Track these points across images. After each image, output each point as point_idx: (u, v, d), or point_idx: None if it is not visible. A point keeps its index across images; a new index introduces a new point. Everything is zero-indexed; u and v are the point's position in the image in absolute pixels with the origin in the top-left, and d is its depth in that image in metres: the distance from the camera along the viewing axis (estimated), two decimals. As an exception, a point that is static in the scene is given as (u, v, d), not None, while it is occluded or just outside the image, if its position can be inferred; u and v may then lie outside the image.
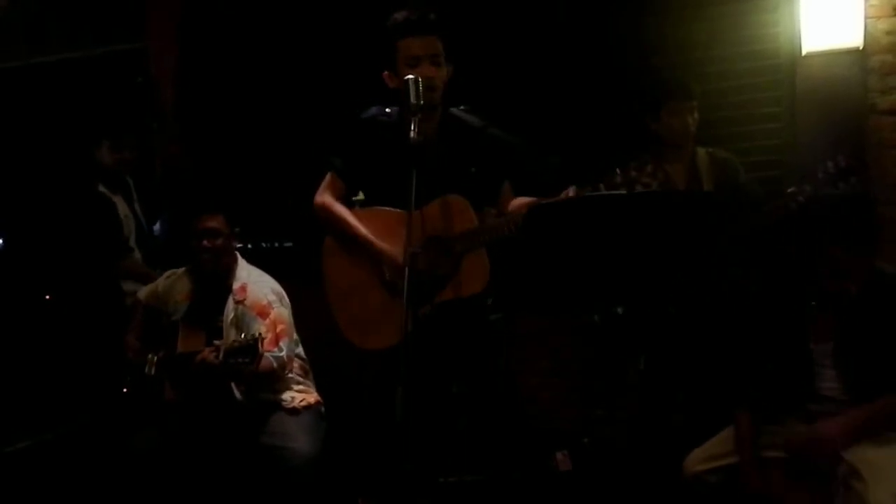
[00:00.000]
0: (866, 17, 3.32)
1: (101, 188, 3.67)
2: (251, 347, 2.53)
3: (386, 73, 2.49)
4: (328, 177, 2.65)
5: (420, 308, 2.37)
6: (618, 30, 3.80)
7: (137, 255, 3.75)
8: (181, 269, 3.07)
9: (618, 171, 2.26)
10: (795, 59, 3.45)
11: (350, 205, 2.65)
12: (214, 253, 2.87)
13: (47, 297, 3.93)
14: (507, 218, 2.45)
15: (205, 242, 2.86)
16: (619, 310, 3.07)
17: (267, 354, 2.65)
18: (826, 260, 2.23)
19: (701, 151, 3.11)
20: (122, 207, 3.73)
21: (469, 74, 2.57)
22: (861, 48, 3.32)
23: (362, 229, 2.54)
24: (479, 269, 2.48)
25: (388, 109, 2.58)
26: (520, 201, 2.51)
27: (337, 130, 2.68)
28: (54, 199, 3.85)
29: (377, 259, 2.53)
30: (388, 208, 2.54)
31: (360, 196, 2.72)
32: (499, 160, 2.58)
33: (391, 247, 2.48)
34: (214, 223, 2.88)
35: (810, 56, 3.40)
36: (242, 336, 2.62)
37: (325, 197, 2.62)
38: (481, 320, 2.60)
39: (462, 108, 2.60)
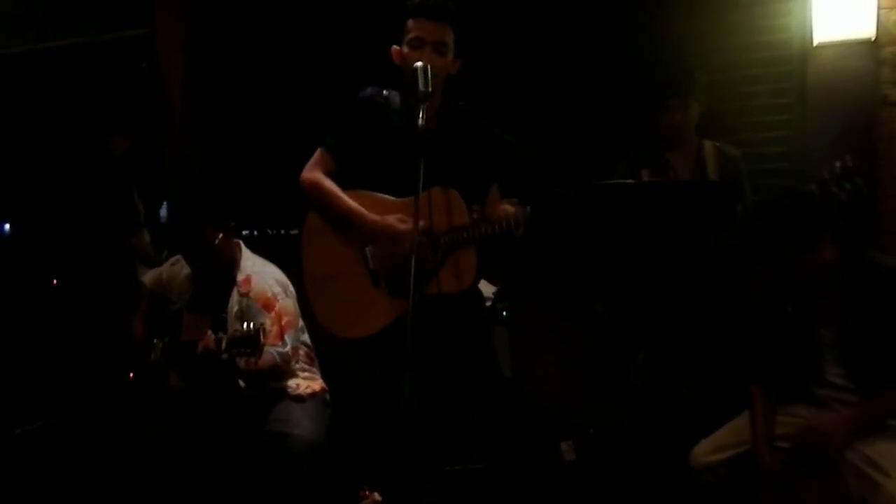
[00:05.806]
0: (879, 8, 3.29)
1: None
2: (253, 338, 2.51)
3: (395, 47, 2.43)
4: (318, 153, 2.56)
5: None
6: (627, 21, 3.78)
7: (147, 236, 3.76)
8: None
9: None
10: (806, 50, 3.43)
11: (340, 185, 2.55)
12: (209, 264, 2.86)
13: (55, 282, 3.93)
14: (499, 220, 2.37)
15: (197, 261, 2.86)
16: (623, 300, 3.07)
17: (269, 349, 2.62)
18: (778, 256, 2.26)
19: (708, 144, 3.11)
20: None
21: (475, 70, 2.54)
22: (873, 39, 3.30)
23: (355, 205, 2.46)
24: (466, 267, 2.42)
25: (385, 92, 2.51)
26: (506, 205, 2.46)
27: (333, 109, 2.59)
28: (67, 176, 3.83)
29: (371, 236, 2.44)
30: (376, 193, 2.48)
31: None
32: (494, 160, 2.53)
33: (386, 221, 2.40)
34: (199, 241, 2.81)
35: (822, 47, 3.37)
36: (245, 326, 2.61)
37: (314, 173, 2.54)
38: (467, 317, 2.52)
39: (461, 103, 2.53)
